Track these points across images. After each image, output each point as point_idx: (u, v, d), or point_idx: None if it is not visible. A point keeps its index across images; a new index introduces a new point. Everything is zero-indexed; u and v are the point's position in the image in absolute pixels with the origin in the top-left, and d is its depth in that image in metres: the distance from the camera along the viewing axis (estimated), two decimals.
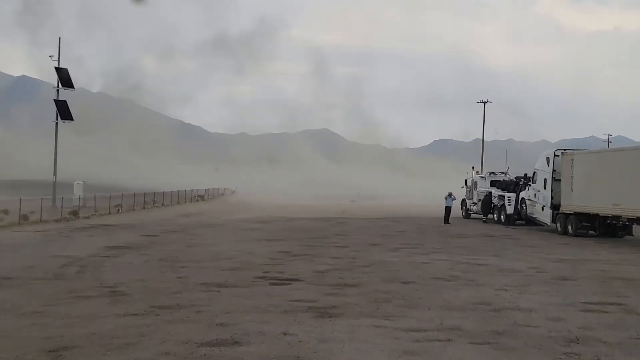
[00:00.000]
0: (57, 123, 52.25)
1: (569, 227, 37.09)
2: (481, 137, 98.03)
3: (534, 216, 41.92)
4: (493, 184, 50.43)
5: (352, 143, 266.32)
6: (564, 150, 39.53)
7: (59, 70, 51.59)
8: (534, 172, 41.91)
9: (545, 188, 40.12)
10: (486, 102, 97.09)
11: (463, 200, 53.69)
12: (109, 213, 47.24)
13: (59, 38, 53.47)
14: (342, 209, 63.79)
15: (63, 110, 52.11)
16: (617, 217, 33.71)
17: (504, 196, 46.01)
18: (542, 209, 40.44)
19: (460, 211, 53.38)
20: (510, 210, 44.94)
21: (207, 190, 79.79)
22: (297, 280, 18.68)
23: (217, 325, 12.82)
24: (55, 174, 52.23)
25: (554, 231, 38.65)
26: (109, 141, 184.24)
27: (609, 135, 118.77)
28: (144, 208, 55.32)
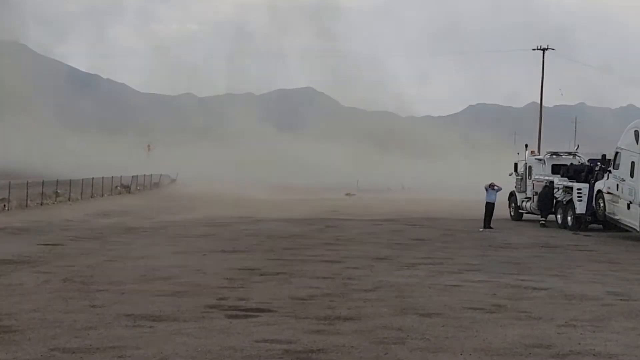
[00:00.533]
0: None
1: None
2: (538, 101, 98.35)
3: (616, 217, 42.07)
4: (556, 170, 50.53)
5: (346, 109, 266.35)
6: None
7: None
8: (616, 153, 42.02)
9: (632, 176, 40.26)
10: (546, 48, 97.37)
11: (512, 194, 53.83)
12: None
13: None
14: (334, 206, 63.82)
15: None
16: None
17: (571, 188, 46.13)
18: (628, 207, 40.59)
19: (508, 210, 53.52)
20: (580, 208, 45.08)
21: (134, 177, 79.74)
22: (267, 310, 18.67)
23: None
24: None
25: None
26: None
27: None
28: (41, 204, 55.20)
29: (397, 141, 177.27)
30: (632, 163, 40.41)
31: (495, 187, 46.84)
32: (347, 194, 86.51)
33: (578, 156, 51.95)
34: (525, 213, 52.21)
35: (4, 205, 49.92)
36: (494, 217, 46.19)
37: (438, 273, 25.88)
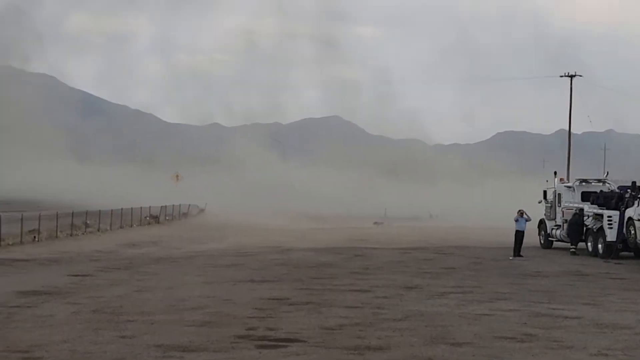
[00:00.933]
0: None
1: None
2: (567, 128, 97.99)
3: None
4: (585, 197, 50.25)
5: (373, 137, 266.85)
6: None
7: None
8: None
9: None
10: (574, 75, 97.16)
11: (541, 222, 53.56)
12: (21, 242, 47.33)
13: None
14: (362, 234, 63.72)
15: None
16: None
17: (601, 215, 45.83)
18: None
19: (538, 237, 53.24)
20: (611, 236, 44.74)
21: (163, 208, 79.97)
22: (297, 340, 18.61)
23: None
24: None
25: None
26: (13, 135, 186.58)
27: None
28: (71, 235, 55.43)
29: (425, 169, 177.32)
30: None
31: (525, 216, 46.62)
32: (375, 223, 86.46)
33: (608, 183, 51.63)
34: (555, 241, 51.91)
35: (34, 237, 50.14)
36: (523, 245, 45.96)
37: (468, 302, 25.75)
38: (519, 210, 46.88)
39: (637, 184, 44.23)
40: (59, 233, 54.08)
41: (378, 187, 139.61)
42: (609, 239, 44.77)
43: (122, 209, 69.06)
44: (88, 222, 62.05)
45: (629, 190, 45.57)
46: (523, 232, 45.86)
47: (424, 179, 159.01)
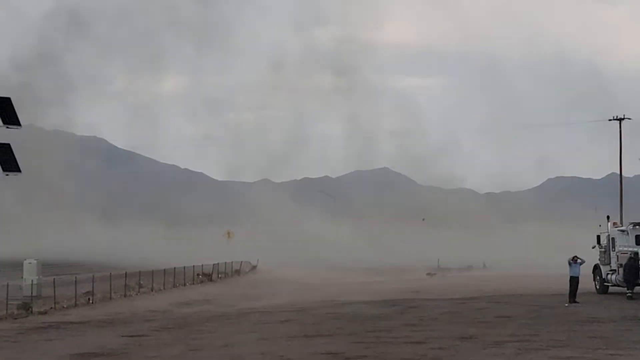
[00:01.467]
0: None
1: None
2: (618, 172, 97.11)
3: None
4: None
5: (424, 188, 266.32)
6: None
7: None
8: None
9: None
10: (622, 118, 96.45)
11: (596, 267, 52.96)
12: (75, 304, 47.57)
13: None
14: (416, 286, 63.40)
15: (6, 158, 52.86)
16: None
17: None
18: None
19: (593, 283, 52.65)
20: None
21: (215, 265, 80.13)
22: None
23: None
24: None
25: None
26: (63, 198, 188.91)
27: None
28: (125, 295, 55.62)
29: (477, 218, 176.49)
30: None
31: (579, 261, 46.15)
32: (428, 274, 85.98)
33: None
34: (611, 286, 51.26)
35: (89, 299, 50.39)
36: (578, 290, 45.47)
37: (525, 350, 25.47)
38: (574, 256, 46.46)
39: None
40: (112, 294, 54.32)
41: (430, 237, 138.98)
42: None
43: (174, 268, 69.30)
44: (141, 282, 62.28)
45: None
46: (578, 277, 45.40)
47: (476, 228, 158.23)
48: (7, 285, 44.91)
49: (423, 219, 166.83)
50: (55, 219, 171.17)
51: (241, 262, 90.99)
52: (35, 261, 53.80)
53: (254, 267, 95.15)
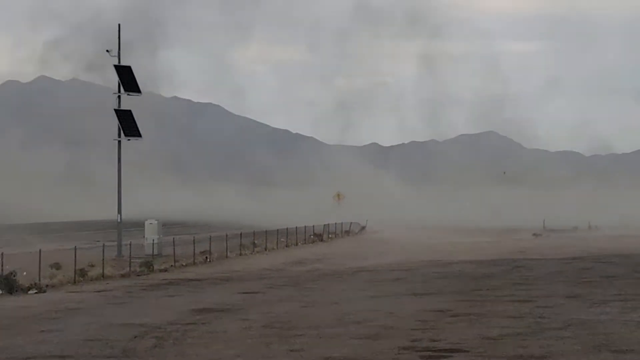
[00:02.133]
0: (119, 141, 54.01)
1: None
2: None
3: None
4: None
5: (529, 151, 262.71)
6: None
7: (119, 69, 53.47)
8: None
9: None
10: None
11: None
12: (194, 263, 48.36)
13: (119, 25, 55.41)
14: (522, 246, 62.76)
15: (127, 124, 53.85)
16: None
17: None
18: None
19: None
20: None
21: (325, 226, 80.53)
22: (459, 351, 18.48)
23: None
24: (119, 212, 53.89)
25: None
26: (185, 163, 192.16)
27: None
28: (240, 254, 56.32)
29: (583, 179, 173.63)
30: None
31: None
32: (534, 234, 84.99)
33: None
34: None
35: (206, 257, 51.15)
36: None
37: (631, 309, 25.08)
38: None
39: None
40: (228, 253, 55.04)
41: (535, 199, 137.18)
42: None
43: (287, 228, 69.89)
44: (256, 242, 62.98)
45: None
46: None
47: (581, 190, 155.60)
48: (130, 244, 45.90)
49: (504, 173, 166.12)
50: (172, 181, 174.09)
51: (350, 223, 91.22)
52: (156, 222, 54.70)
53: (363, 228, 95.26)
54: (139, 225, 58.91)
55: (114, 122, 54.30)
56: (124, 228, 53.64)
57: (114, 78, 54.38)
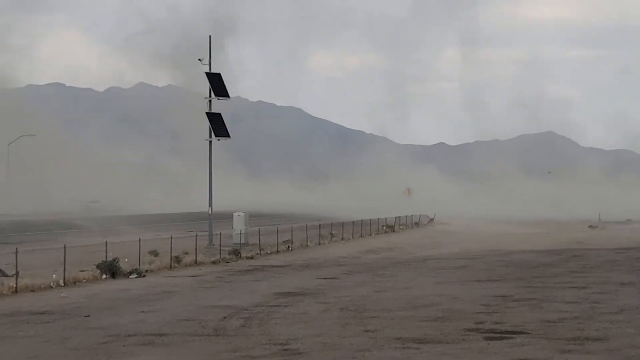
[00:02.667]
0: (210, 141, 54.54)
1: None
2: None
3: None
4: None
5: (584, 149, 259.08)
6: None
7: (210, 76, 54.03)
8: None
9: None
10: None
11: None
12: (277, 251, 48.62)
13: (209, 37, 56.12)
14: (578, 237, 61.93)
15: (217, 126, 54.38)
16: None
17: None
18: None
19: None
20: None
21: (397, 218, 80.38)
22: (521, 332, 18.33)
23: None
24: (210, 205, 54.45)
25: None
26: (268, 159, 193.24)
27: None
28: (319, 243, 56.46)
29: (635, 174, 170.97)
30: None
31: None
32: (589, 226, 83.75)
33: None
34: None
35: (288, 246, 51.39)
36: None
37: None
38: None
39: None
40: (308, 242, 55.23)
41: (588, 194, 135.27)
42: None
43: (361, 220, 69.92)
44: (333, 232, 63.10)
45: None
46: None
47: (635, 185, 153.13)
48: (220, 234, 46.33)
49: (549, 172, 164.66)
50: (254, 179, 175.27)
51: (420, 215, 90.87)
52: (243, 213, 55.15)
53: (431, 220, 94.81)
54: (218, 217, 59.34)
55: (200, 124, 54.86)
56: (204, 220, 54.22)
57: (205, 84, 54.98)
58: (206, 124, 54.69)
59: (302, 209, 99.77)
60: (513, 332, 18.34)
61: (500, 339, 17.57)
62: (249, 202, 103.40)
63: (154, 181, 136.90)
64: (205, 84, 54.66)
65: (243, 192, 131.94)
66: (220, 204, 57.77)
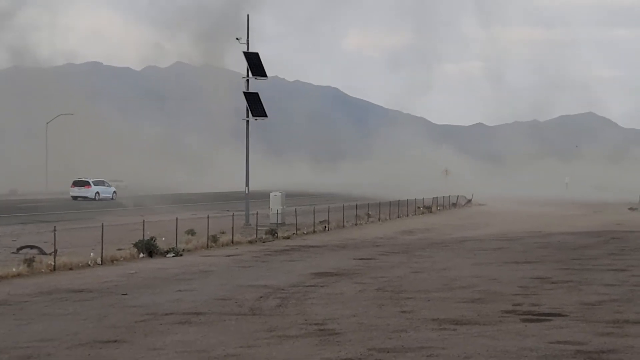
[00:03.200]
0: (247, 121, 54.64)
1: None
2: None
3: None
4: None
5: (626, 130, 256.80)
6: None
7: (248, 55, 54.08)
8: None
9: None
10: None
11: None
12: (314, 231, 48.73)
13: (247, 16, 56.21)
14: (618, 219, 61.45)
15: (254, 105, 54.44)
16: None
17: None
18: None
19: None
20: None
21: (434, 199, 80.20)
22: (559, 315, 18.26)
23: None
24: (247, 185, 54.61)
25: None
26: (305, 140, 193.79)
27: None
28: (355, 224, 56.53)
29: None
30: None
31: None
32: (630, 208, 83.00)
33: None
34: None
35: (325, 226, 51.46)
36: None
37: None
38: None
39: None
40: (345, 223, 55.29)
41: (633, 175, 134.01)
42: None
43: (399, 200, 69.84)
44: (370, 212, 63.09)
45: None
46: None
47: None
48: (257, 214, 46.50)
49: (576, 146, 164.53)
50: (293, 157, 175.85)
51: (457, 196, 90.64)
52: (280, 193, 55.23)
53: (469, 201, 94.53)
54: (264, 197, 59.52)
55: (234, 103, 55.01)
56: (238, 199, 54.36)
57: (242, 63, 55.05)
58: (238, 103, 54.86)
59: (342, 189, 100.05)
60: (551, 315, 18.27)
61: (538, 321, 17.50)
62: (281, 183, 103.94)
63: (179, 160, 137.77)
64: (242, 64, 54.76)
65: (273, 172, 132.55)
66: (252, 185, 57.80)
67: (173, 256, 32.77)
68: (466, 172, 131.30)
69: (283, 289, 23.06)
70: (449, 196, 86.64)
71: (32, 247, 31.93)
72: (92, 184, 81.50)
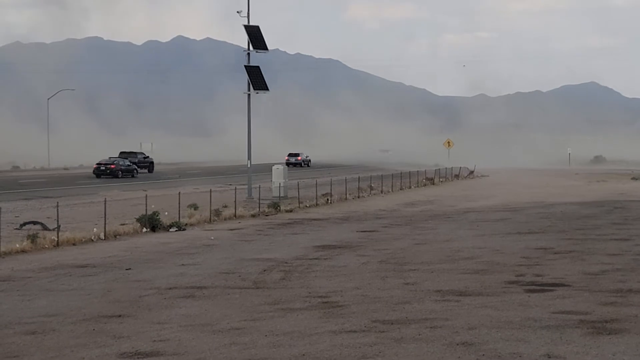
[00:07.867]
0: (249, 95, 54.55)
1: None
2: None
3: None
4: None
5: (629, 100, 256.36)
6: None
7: (249, 28, 53.88)
8: None
9: None
10: None
11: None
12: (316, 204, 48.77)
13: None
14: (621, 189, 61.42)
15: (256, 79, 54.29)
16: None
17: None
18: None
19: None
20: None
21: (437, 170, 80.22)
22: (562, 285, 18.30)
23: (458, 344, 12.86)
24: (249, 158, 54.61)
25: None
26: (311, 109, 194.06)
27: None
28: (358, 197, 56.56)
29: None
30: None
31: None
32: (632, 178, 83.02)
33: None
34: None
35: (327, 199, 51.53)
36: None
37: None
38: None
39: None
40: (347, 195, 55.33)
41: (632, 145, 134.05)
42: None
43: (401, 172, 69.88)
44: (372, 185, 63.10)
45: None
46: None
47: None
48: (259, 187, 46.54)
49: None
50: (297, 131, 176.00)
51: (460, 167, 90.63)
52: (282, 167, 55.30)
53: (472, 173, 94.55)
54: (267, 171, 59.57)
55: (237, 77, 54.90)
56: (242, 173, 54.35)
57: (243, 37, 54.86)
58: (238, 76, 54.78)
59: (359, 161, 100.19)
60: (554, 285, 18.30)
61: (541, 291, 17.54)
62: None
63: (201, 136, 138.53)
64: (243, 37, 54.56)
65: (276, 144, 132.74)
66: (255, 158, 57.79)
67: (176, 230, 32.81)
68: (468, 143, 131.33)
69: (286, 262, 23.11)
70: (452, 168, 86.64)
71: (35, 222, 32.00)
72: None
